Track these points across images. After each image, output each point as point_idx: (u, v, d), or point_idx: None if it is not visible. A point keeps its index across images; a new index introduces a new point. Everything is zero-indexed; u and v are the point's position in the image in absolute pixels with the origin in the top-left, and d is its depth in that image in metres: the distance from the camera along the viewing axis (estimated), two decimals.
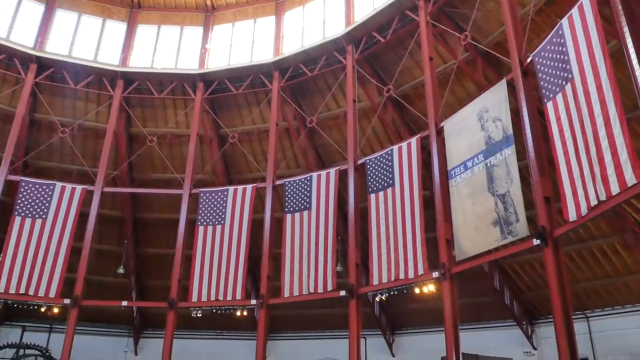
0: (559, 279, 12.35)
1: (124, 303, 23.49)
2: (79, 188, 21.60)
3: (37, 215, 20.59)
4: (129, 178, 26.70)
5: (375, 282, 17.36)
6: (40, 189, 21.06)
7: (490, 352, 21.68)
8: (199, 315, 20.42)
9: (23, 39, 23.60)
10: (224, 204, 21.21)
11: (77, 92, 24.73)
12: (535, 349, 25.08)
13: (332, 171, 20.05)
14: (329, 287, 18.35)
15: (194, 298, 20.16)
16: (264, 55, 24.39)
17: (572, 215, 12.06)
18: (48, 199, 20.94)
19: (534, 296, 25.17)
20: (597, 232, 21.79)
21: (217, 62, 25.11)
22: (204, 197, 21.61)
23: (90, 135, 25.87)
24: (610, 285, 22.85)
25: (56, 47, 24.28)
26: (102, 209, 23.35)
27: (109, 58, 24.91)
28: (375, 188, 18.47)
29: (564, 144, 12.39)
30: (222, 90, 24.39)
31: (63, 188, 21.33)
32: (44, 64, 23.27)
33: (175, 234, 21.74)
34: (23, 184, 21.14)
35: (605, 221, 20.40)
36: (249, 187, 21.45)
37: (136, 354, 29.66)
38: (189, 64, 25.21)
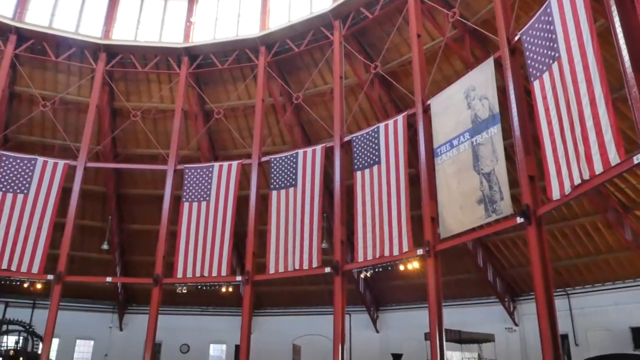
0: (541, 257, 12.49)
1: (108, 279, 23.41)
2: (62, 163, 21.28)
3: (18, 190, 20.29)
4: (112, 153, 26.39)
5: (360, 259, 17.43)
6: (21, 164, 20.71)
7: (473, 328, 22.10)
8: (184, 291, 20.40)
9: (2, 9, 22.94)
10: (209, 180, 21.06)
11: (58, 65, 24.23)
12: (516, 325, 25.54)
13: (318, 148, 19.95)
14: (314, 264, 18.40)
15: (179, 274, 20.12)
16: (250, 29, 24.01)
17: (555, 194, 12.14)
18: (30, 173, 20.62)
19: (516, 273, 25.54)
20: (580, 210, 22.07)
21: (202, 36, 24.67)
22: (189, 173, 21.43)
23: (72, 110, 25.43)
24: (591, 263, 23.25)
25: (36, 18, 23.67)
26: (85, 185, 23.08)
27: (91, 30, 24.36)
28: (361, 165, 18.44)
29: (549, 123, 12.41)
30: (208, 65, 24.02)
31: (45, 163, 21.00)
32: (23, 36, 22.69)
33: (159, 210, 21.58)
34: (4, 158, 20.77)
35: (588, 200, 20.65)
36: (235, 163, 21.30)
37: (121, 330, 29.71)
38: (173, 38, 24.76)
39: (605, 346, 20.43)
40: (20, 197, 20.23)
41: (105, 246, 25.86)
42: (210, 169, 21.30)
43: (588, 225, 22.42)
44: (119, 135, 25.78)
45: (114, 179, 27.02)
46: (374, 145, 18.23)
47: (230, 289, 21.17)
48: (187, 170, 21.54)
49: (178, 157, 22.24)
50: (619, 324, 22.19)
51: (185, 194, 21.11)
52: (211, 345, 30.23)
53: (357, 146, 18.83)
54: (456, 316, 22.10)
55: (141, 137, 26.18)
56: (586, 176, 11.04)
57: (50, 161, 21.19)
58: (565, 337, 22.53)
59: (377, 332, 28.93)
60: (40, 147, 25.30)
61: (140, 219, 28.02)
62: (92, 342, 29.32)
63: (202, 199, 20.85)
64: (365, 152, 18.43)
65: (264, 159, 21.23)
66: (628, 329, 22.03)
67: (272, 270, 19.15)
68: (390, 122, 18.15)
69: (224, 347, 29.93)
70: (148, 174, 26.34)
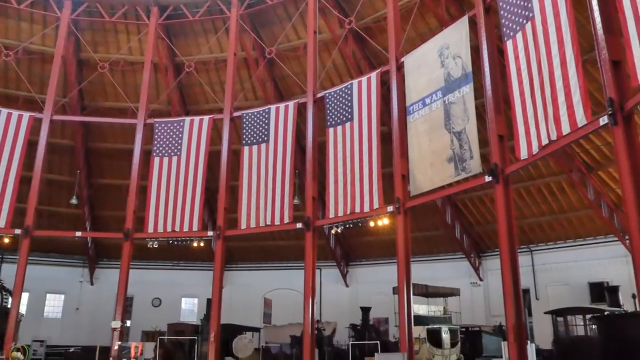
0: (507, 215, 12.86)
1: (78, 234, 23.21)
2: (27, 115, 20.66)
3: None
4: (79, 106, 25.73)
5: (332, 215, 17.64)
6: None
7: (440, 283, 22.77)
8: (155, 246, 20.40)
9: None
10: (180, 135, 20.79)
11: (20, 13, 23.15)
12: (481, 280, 26.48)
13: (291, 104, 19.81)
14: (286, 220, 18.55)
15: (150, 229, 20.08)
16: None
17: (523, 154, 12.40)
18: None
19: (483, 230, 26.28)
20: (546, 170, 22.64)
21: None
22: (159, 128, 21.10)
23: (36, 60, 24.54)
24: (554, 221, 24.07)
25: None
26: (52, 138, 22.51)
27: None
28: (333, 122, 18.42)
29: (520, 83, 12.54)
30: (178, 16, 23.27)
31: (9, 115, 20.35)
32: None
33: (129, 164, 21.29)
34: None
35: (554, 160, 21.16)
36: (206, 118, 21.03)
37: (92, 284, 29.73)
38: None
39: (564, 300, 21.34)
40: None
41: (74, 201, 25.54)
42: (181, 124, 21.01)
43: (553, 185, 23.08)
44: (86, 88, 25.07)
45: (82, 133, 26.45)
46: (346, 102, 18.19)
47: (202, 244, 21.27)
48: (157, 125, 21.19)
49: (148, 111, 21.81)
50: (578, 279, 23.24)
51: (155, 148, 20.84)
52: (183, 299, 30.57)
53: (330, 103, 18.76)
54: (424, 271, 22.71)
55: (109, 90, 25.52)
56: (554, 136, 11.28)
57: (15, 113, 20.55)
58: (526, 291, 23.47)
59: (347, 286, 29.60)
60: (3, 98, 24.47)
61: (109, 173, 27.65)
62: (62, 296, 29.33)
63: (172, 153, 20.63)
64: (338, 108, 18.39)
65: (235, 114, 20.99)
66: (586, 284, 23.15)
67: (243, 226, 19.25)
68: (364, 79, 18.08)
69: (195, 300, 30.29)
70: (117, 128, 25.81)
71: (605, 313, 16.77)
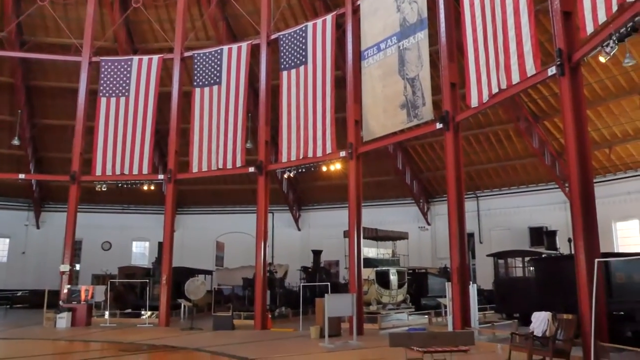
0: (455, 161, 13.18)
1: (21, 176, 22.34)
2: None
3: None
4: (18, 41, 24.25)
5: (284, 159, 17.62)
6: None
7: (389, 227, 23.38)
8: (103, 189, 19.91)
9: None
10: (128, 75, 19.99)
11: None
12: (429, 224, 27.40)
13: (244, 45, 19.29)
14: (238, 164, 18.43)
15: (98, 172, 19.55)
16: None
17: (474, 102, 12.62)
18: None
19: (432, 176, 26.97)
20: (494, 118, 23.21)
21: None
22: (106, 67, 20.20)
23: None
24: (500, 168, 24.95)
25: None
26: None
27: None
28: (287, 65, 18.10)
29: (474, 30, 12.60)
30: None
31: None
32: None
33: (74, 104, 20.42)
34: None
35: (503, 109, 21.66)
36: (155, 57, 20.24)
37: (38, 228, 29.04)
38: None
39: (505, 243, 22.37)
40: None
41: (15, 141, 24.44)
42: (129, 63, 20.18)
43: (500, 133, 23.76)
44: (25, 21, 23.56)
45: (22, 70, 25.11)
46: (301, 45, 17.86)
47: (153, 187, 20.94)
48: (103, 63, 20.28)
49: (93, 49, 20.78)
50: (519, 224, 24.39)
51: (102, 88, 20.02)
52: (134, 243, 30.36)
53: (284, 45, 18.37)
54: (374, 216, 23.23)
55: (51, 25, 24.11)
56: (504, 85, 11.50)
57: None
58: (471, 235, 24.48)
59: (299, 230, 30.05)
60: None
61: (53, 113, 26.53)
62: (7, 240, 28.62)
63: (120, 94, 19.90)
64: (292, 51, 18.05)
65: (186, 54, 20.27)
66: (526, 229, 24.36)
67: (195, 169, 19.02)
68: (319, 21, 17.71)
69: (146, 244, 30.14)
70: (60, 66, 24.53)
71: (543, 256, 17.69)
